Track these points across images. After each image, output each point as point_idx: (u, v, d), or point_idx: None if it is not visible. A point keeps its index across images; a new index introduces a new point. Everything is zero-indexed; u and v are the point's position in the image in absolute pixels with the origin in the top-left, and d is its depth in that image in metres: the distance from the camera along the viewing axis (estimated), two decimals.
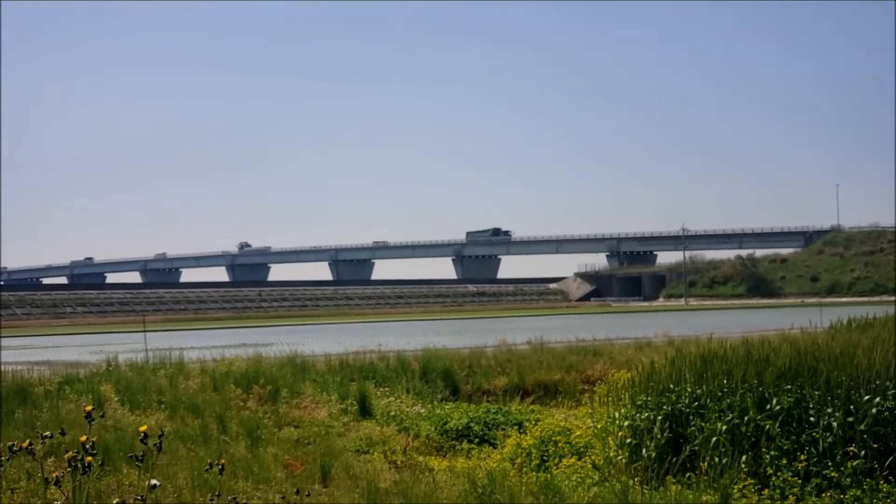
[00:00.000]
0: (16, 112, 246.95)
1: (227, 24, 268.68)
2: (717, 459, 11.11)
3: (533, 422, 16.28)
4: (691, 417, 12.09)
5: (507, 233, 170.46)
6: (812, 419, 11.32)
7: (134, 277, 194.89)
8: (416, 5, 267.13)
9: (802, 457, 10.87)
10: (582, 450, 13.33)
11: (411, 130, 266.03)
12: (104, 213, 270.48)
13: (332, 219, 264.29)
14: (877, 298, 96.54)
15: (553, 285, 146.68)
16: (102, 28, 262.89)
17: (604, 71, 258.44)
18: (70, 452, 4.28)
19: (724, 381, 12.35)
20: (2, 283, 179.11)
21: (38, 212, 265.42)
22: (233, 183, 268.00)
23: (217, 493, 5.15)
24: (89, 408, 4.51)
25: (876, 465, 10.64)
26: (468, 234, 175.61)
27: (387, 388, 19.82)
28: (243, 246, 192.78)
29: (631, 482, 10.40)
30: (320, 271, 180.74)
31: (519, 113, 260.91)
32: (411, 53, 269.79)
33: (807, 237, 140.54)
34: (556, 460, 13.03)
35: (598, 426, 13.45)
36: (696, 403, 12.24)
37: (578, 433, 14.03)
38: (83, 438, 4.31)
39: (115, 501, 4.35)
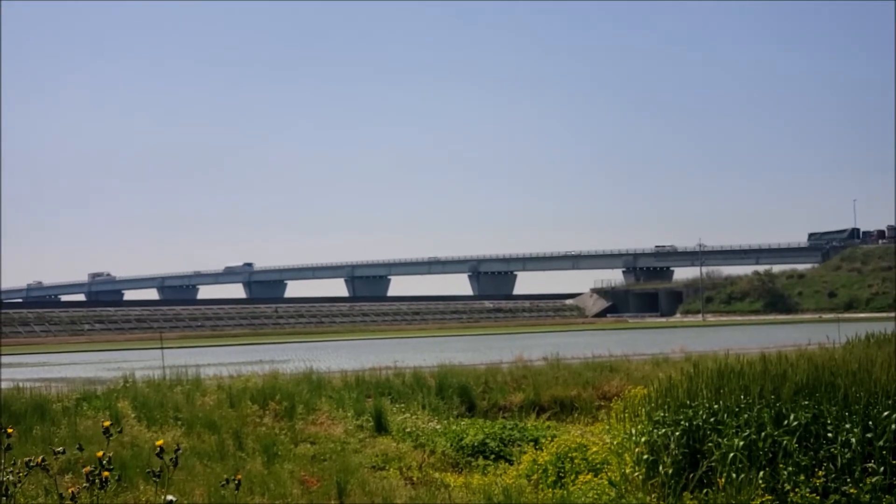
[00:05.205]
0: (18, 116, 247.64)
1: (231, 28, 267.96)
2: (734, 475, 11.05)
3: (549, 438, 16.22)
4: (708, 433, 12.03)
5: (868, 234, 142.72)
6: (830, 435, 11.25)
7: (151, 294, 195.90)
8: (433, 6, 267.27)
9: (820, 473, 10.80)
10: (598, 466, 13.27)
11: (423, 145, 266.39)
12: (117, 227, 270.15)
13: (348, 235, 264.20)
14: (895, 314, 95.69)
15: (569, 301, 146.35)
16: (100, 31, 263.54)
17: (619, 85, 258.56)
18: (87, 467, 4.31)
19: (742, 397, 12.29)
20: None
21: (49, 225, 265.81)
22: (247, 197, 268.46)
23: None
24: (107, 423, 4.55)
25: (895, 482, 10.57)
26: (810, 235, 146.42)
27: (403, 405, 19.81)
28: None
29: (647, 498, 10.37)
30: (336, 288, 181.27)
31: (532, 125, 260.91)
32: (420, 58, 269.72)
33: (824, 253, 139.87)
34: (573, 477, 12.98)
35: (615, 442, 13.38)
36: (714, 419, 12.18)
37: (595, 449, 13.97)
38: (100, 454, 4.34)
39: None
